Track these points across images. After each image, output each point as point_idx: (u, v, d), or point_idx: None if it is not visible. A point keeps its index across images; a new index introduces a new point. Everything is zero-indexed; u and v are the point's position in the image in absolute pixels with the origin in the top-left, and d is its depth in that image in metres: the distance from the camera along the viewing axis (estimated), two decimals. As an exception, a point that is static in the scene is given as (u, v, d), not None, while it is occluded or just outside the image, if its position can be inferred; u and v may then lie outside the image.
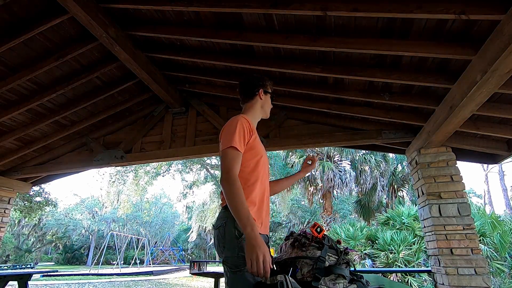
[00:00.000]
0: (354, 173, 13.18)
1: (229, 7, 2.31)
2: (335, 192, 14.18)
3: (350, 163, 13.83)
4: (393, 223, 8.41)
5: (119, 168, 15.45)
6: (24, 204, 12.94)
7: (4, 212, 4.76)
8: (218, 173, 17.01)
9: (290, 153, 13.86)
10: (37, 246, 30.21)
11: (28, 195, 12.61)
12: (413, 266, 6.80)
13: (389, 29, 2.23)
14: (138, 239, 23.70)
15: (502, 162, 7.24)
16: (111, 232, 21.73)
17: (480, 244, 5.65)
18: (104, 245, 18.63)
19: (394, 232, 7.65)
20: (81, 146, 4.60)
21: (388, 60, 2.58)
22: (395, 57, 2.51)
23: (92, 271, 15.63)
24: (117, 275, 14.53)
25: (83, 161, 4.43)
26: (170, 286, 10.65)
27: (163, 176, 17.17)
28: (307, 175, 13.41)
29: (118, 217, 27.57)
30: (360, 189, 13.39)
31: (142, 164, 14.73)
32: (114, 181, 16.21)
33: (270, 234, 24.06)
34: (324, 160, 13.40)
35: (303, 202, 22.23)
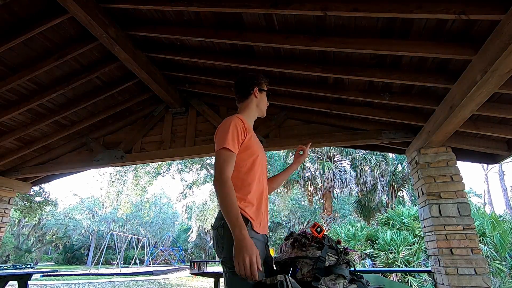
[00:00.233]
0: (354, 173, 13.18)
1: (229, 7, 2.31)
2: (335, 192, 14.18)
3: (350, 163, 13.83)
4: (393, 223, 8.41)
5: (119, 168, 15.45)
6: (24, 204, 12.95)
7: (4, 212, 4.76)
8: (218, 173, 16.94)
9: (290, 153, 13.86)
10: (37, 246, 30.21)
11: (28, 195, 12.62)
12: (413, 266, 6.80)
13: (389, 29, 2.23)
14: (138, 239, 23.70)
15: (502, 162, 7.24)
16: (111, 232, 21.73)
17: (480, 244, 5.65)
18: (104, 245, 18.63)
19: (394, 232, 7.65)
20: (81, 146, 4.60)
21: (388, 60, 2.58)
22: (395, 57, 2.51)
23: (92, 271, 15.63)
24: (117, 275, 14.53)
25: (83, 161, 4.43)
26: (170, 286, 10.65)
27: (163, 176, 17.18)
28: (307, 175, 13.50)
29: (118, 217, 27.57)
30: (360, 189, 13.40)
31: (142, 164, 14.73)
32: (114, 181, 16.21)
33: (270, 234, 24.10)
34: (324, 160, 13.41)
35: (303, 202, 22.22)
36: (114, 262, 21.59)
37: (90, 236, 29.94)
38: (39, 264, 27.01)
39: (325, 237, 1.32)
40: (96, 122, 4.33)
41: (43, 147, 4.50)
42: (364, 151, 12.98)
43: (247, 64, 3.03)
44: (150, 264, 22.55)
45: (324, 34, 2.42)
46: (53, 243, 30.62)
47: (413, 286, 6.50)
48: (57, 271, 9.21)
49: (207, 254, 29.91)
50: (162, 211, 34.17)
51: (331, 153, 13.77)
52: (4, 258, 25.99)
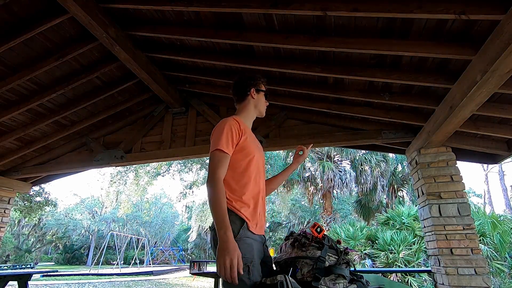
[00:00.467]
0: (354, 173, 13.18)
1: (229, 7, 2.31)
2: (335, 192, 14.18)
3: (350, 163, 13.83)
4: (393, 223, 8.41)
5: (119, 168, 15.45)
6: (24, 204, 12.95)
7: (4, 212, 4.76)
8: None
9: (290, 153, 13.85)
10: (37, 246, 30.21)
11: (28, 195, 12.61)
12: (413, 266, 6.80)
13: (389, 29, 2.23)
14: (138, 239, 23.71)
15: (502, 162, 7.25)
16: (111, 232, 21.73)
17: (480, 244, 5.65)
18: (104, 245, 18.63)
19: (394, 232, 7.65)
20: (81, 146, 4.60)
21: (388, 60, 2.58)
22: (395, 57, 2.51)
23: (92, 271, 15.63)
24: (117, 275, 14.53)
25: (83, 161, 4.43)
26: (170, 286, 10.65)
27: (163, 176, 17.17)
28: (307, 175, 13.50)
29: (118, 217, 27.57)
30: (360, 189, 13.39)
31: (142, 164, 14.73)
32: (115, 182, 16.20)
33: (270, 234, 24.10)
34: (324, 160, 13.41)
35: (303, 202, 22.22)
36: (114, 262, 21.60)
37: (90, 236, 29.94)
38: (39, 264, 27.00)
39: (325, 237, 1.32)
40: (96, 122, 4.33)
41: (43, 147, 4.50)
42: (364, 151, 12.98)
43: (247, 64, 3.03)
44: (150, 264, 22.55)
45: (324, 34, 2.42)
46: (53, 243, 30.62)
47: (413, 286, 6.50)
48: (57, 271, 9.21)
49: (207, 254, 29.89)
50: (162, 211, 34.17)
51: (331, 153, 13.77)
52: (4, 258, 25.99)
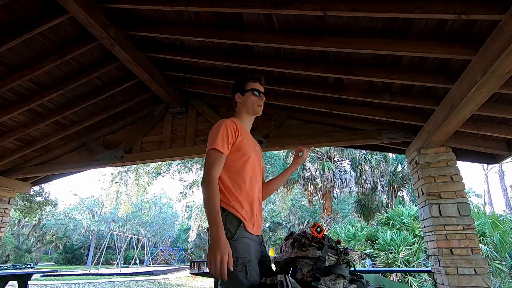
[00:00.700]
0: (354, 173, 13.18)
1: (229, 7, 2.31)
2: (335, 192, 14.18)
3: (350, 163, 13.83)
4: (393, 223, 8.41)
5: (120, 168, 15.45)
6: (24, 204, 12.94)
7: (4, 212, 4.76)
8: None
9: (290, 153, 13.85)
10: (37, 246, 30.19)
11: (28, 195, 12.61)
12: (413, 266, 6.79)
13: (389, 29, 2.23)
14: (138, 239, 23.70)
15: (502, 162, 7.24)
16: (111, 232, 21.73)
17: (480, 244, 5.65)
18: (104, 245, 18.63)
19: (394, 232, 7.64)
20: (81, 146, 4.60)
21: (388, 60, 2.58)
22: (395, 57, 2.51)
23: (92, 271, 15.63)
24: (117, 275, 14.53)
25: (83, 161, 4.43)
26: (170, 286, 10.66)
27: (163, 176, 17.17)
28: (307, 175, 13.50)
29: (118, 217, 27.56)
30: (360, 189, 13.39)
31: (142, 164, 14.72)
32: (117, 182, 16.20)
33: (270, 234, 24.10)
34: (324, 160, 13.40)
35: (303, 202, 22.23)
36: (114, 262, 21.59)
37: (90, 236, 29.94)
38: (39, 264, 27.00)
39: (325, 237, 1.32)
40: (96, 122, 4.33)
41: (43, 147, 4.50)
42: (364, 151, 12.98)
43: (247, 64, 3.03)
44: (150, 264, 22.56)
45: (324, 34, 2.42)
46: (53, 243, 30.60)
47: (413, 286, 6.50)
48: (57, 271, 9.21)
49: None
50: (162, 211, 34.17)
51: (331, 153, 13.77)
52: (4, 258, 25.98)
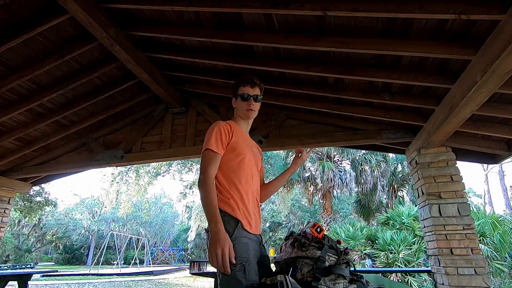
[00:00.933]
0: (354, 173, 13.17)
1: (229, 7, 2.31)
2: (335, 192, 14.17)
3: (350, 163, 13.82)
4: (393, 223, 8.41)
5: (120, 168, 15.44)
6: (24, 204, 12.94)
7: (4, 212, 4.76)
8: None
9: (290, 153, 13.85)
10: (37, 246, 30.20)
11: (28, 195, 12.61)
12: (413, 266, 6.79)
13: (389, 29, 2.23)
14: (138, 239, 23.70)
15: (502, 162, 7.24)
16: (111, 232, 21.73)
17: (480, 244, 5.65)
18: (104, 245, 18.62)
19: (394, 232, 7.64)
20: (81, 146, 4.60)
21: (388, 60, 2.58)
22: (395, 57, 2.51)
23: (92, 271, 15.63)
24: (117, 275, 14.53)
25: (83, 161, 4.43)
26: (170, 286, 10.66)
27: (163, 176, 17.16)
28: (307, 175, 13.49)
29: (118, 217, 27.56)
30: (360, 189, 13.39)
31: (142, 164, 14.71)
32: (118, 182, 16.19)
33: (270, 234, 24.10)
34: (324, 160, 13.40)
35: (303, 202, 22.22)
36: (114, 262, 21.59)
37: (90, 236, 29.93)
38: (39, 264, 27.00)
39: (325, 237, 1.32)
40: (96, 122, 4.33)
41: (43, 147, 4.50)
42: (364, 151, 12.98)
43: (247, 64, 3.03)
44: (150, 264, 22.56)
45: (324, 34, 2.42)
46: (53, 243, 30.60)
47: (413, 286, 6.50)
48: (57, 271, 9.21)
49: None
50: (162, 211, 34.16)
51: (331, 153, 13.77)
52: (4, 258, 25.98)
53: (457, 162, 3.21)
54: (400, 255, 6.94)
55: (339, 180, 13.00)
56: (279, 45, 2.63)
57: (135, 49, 3.09)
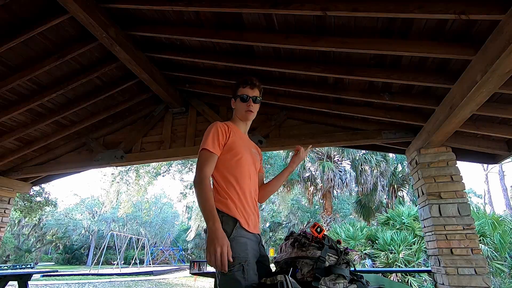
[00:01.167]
0: (354, 173, 13.17)
1: (229, 7, 2.31)
2: (335, 192, 14.17)
3: (350, 163, 13.83)
4: (393, 223, 8.41)
5: (120, 168, 15.45)
6: (24, 204, 12.94)
7: (4, 212, 4.76)
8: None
9: (290, 153, 13.85)
10: (37, 246, 30.20)
11: (28, 195, 12.60)
12: (413, 266, 6.79)
13: (389, 29, 2.23)
14: (138, 239, 23.70)
15: (502, 162, 7.24)
16: (111, 232, 21.73)
17: (480, 244, 5.65)
18: (104, 245, 18.62)
19: (394, 232, 7.64)
20: (81, 146, 4.60)
21: (388, 60, 2.58)
22: (395, 57, 2.51)
23: (92, 271, 15.63)
24: (117, 275, 14.53)
25: (83, 161, 4.43)
26: (170, 286, 10.66)
27: (163, 176, 17.16)
28: (307, 175, 13.49)
29: (118, 217, 27.56)
30: (360, 189, 13.39)
31: (142, 164, 14.72)
32: (118, 182, 16.19)
33: (270, 234, 24.10)
34: (324, 160, 13.40)
35: (303, 202, 22.22)
36: (114, 262, 21.59)
37: (90, 236, 29.93)
38: (39, 264, 26.99)
39: (325, 237, 1.32)
40: (96, 122, 4.33)
41: (43, 147, 4.50)
42: (364, 151, 12.98)
43: (247, 64, 3.03)
44: (150, 264, 22.56)
45: (324, 34, 2.42)
46: (53, 243, 30.61)
47: (413, 286, 6.50)
48: (57, 271, 9.21)
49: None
50: (162, 211, 34.16)
51: (331, 153, 13.77)
52: (4, 258, 25.98)
53: (457, 162, 3.21)
54: (400, 255, 6.94)
55: (339, 180, 13.00)
56: (279, 45, 2.63)
57: (135, 49, 3.09)
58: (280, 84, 3.27)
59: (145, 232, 30.52)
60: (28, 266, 14.58)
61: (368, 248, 7.87)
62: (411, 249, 7.09)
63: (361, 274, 1.28)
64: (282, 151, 13.61)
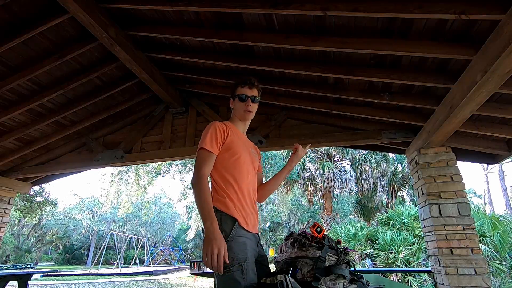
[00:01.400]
0: (354, 173, 13.17)
1: (229, 7, 2.31)
2: (335, 192, 14.17)
3: (350, 163, 13.83)
4: (393, 223, 8.41)
5: (120, 168, 15.45)
6: (24, 204, 12.94)
7: (4, 212, 4.76)
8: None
9: (290, 153, 13.83)
10: (37, 246, 30.20)
11: (28, 195, 12.60)
12: (413, 266, 6.79)
13: (389, 29, 2.23)
14: (138, 239, 23.70)
15: (502, 162, 7.24)
16: (111, 232, 21.73)
17: (480, 244, 5.65)
18: (104, 245, 18.63)
19: (394, 232, 7.64)
20: (81, 146, 4.60)
21: (388, 60, 2.58)
22: (395, 57, 2.51)
23: (92, 271, 15.63)
24: (117, 275, 14.53)
25: (83, 161, 4.43)
26: (170, 286, 10.66)
27: (163, 176, 17.16)
28: (307, 175, 13.49)
29: (118, 217, 27.56)
30: (360, 189, 13.39)
31: (142, 164, 14.72)
32: (117, 181, 16.19)
33: (270, 234, 24.09)
34: (324, 160, 13.40)
35: (303, 202, 22.21)
36: (114, 262, 21.59)
37: (90, 236, 29.93)
38: (39, 264, 26.99)
39: (325, 237, 1.32)
40: (96, 122, 4.33)
41: (43, 147, 4.50)
42: (364, 151, 12.98)
43: (247, 64, 3.03)
44: (150, 264, 22.56)
45: (324, 34, 2.42)
46: (53, 243, 30.61)
47: (413, 286, 6.50)
48: (57, 271, 9.22)
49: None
50: (162, 211, 34.16)
51: (331, 153, 13.77)
52: (4, 258, 25.98)
53: (457, 162, 3.21)
54: (400, 255, 6.94)
55: (339, 180, 13.00)
56: (279, 45, 2.63)
57: (135, 49, 3.09)
58: (280, 84, 3.27)
59: (145, 232, 30.51)
60: (28, 266, 14.58)
61: (368, 248, 7.87)
62: (411, 249, 7.09)
63: (361, 274, 1.28)
64: (282, 151, 13.61)
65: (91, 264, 21.47)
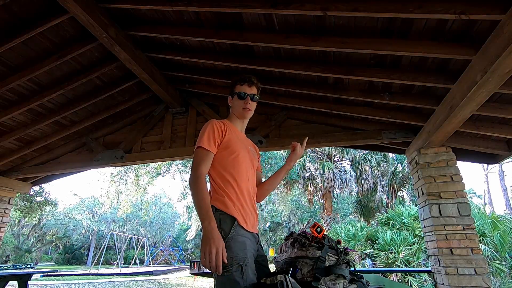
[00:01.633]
0: (354, 173, 13.17)
1: (229, 7, 2.31)
2: (335, 192, 14.17)
3: (350, 163, 13.83)
4: (393, 223, 8.41)
5: (120, 168, 15.45)
6: (24, 204, 12.94)
7: (4, 212, 4.76)
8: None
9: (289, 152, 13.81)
10: (37, 246, 30.20)
11: (28, 195, 12.61)
12: (413, 266, 6.79)
13: (389, 29, 2.23)
14: (138, 239, 23.71)
15: (502, 162, 7.24)
16: (111, 232, 21.73)
17: (480, 244, 5.65)
18: (104, 245, 18.63)
19: (394, 232, 7.65)
20: (81, 146, 4.60)
21: (388, 60, 2.58)
22: (395, 57, 2.51)
23: (92, 271, 15.63)
24: (117, 275, 14.54)
25: (83, 161, 4.43)
26: (170, 286, 10.66)
27: (163, 176, 17.15)
28: (307, 175, 13.49)
29: (118, 217, 27.55)
30: (360, 189, 13.39)
31: (142, 164, 14.71)
32: (116, 182, 16.18)
33: (270, 234, 24.09)
34: (324, 160, 13.40)
35: (303, 202, 22.21)
36: (114, 262, 21.59)
37: (90, 236, 29.94)
38: (39, 264, 27.00)
39: (325, 237, 1.32)
40: (96, 122, 4.33)
41: (43, 147, 4.50)
42: (364, 151, 12.98)
43: (247, 64, 3.03)
44: (150, 264, 22.56)
45: (324, 34, 2.42)
46: (53, 243, 30.61)
47: (413, 286, 6.50)
48: (57, 271, 9.22)
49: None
50: (162, 211, 34.16)
51: (331, 153, 13.77)
52: (4, 258, 25.98)
53: (457, 162, 3.21)
54: (400, 255, 6.94)
55: (339, 180, 13.00)
56: (279, 45, 2.62)
57: (135, 49, 3.09)
58: (280, 84, 3.27)
59: (145, 232, 30.51)
60: (28, 266, 14.57)
61: (368, 248, 7.87)
62: (411, 249, 7.09)
63: (361, 274, 1.28)
64: (282, 151, 13.60)
65: (91, 264, 21.46)
